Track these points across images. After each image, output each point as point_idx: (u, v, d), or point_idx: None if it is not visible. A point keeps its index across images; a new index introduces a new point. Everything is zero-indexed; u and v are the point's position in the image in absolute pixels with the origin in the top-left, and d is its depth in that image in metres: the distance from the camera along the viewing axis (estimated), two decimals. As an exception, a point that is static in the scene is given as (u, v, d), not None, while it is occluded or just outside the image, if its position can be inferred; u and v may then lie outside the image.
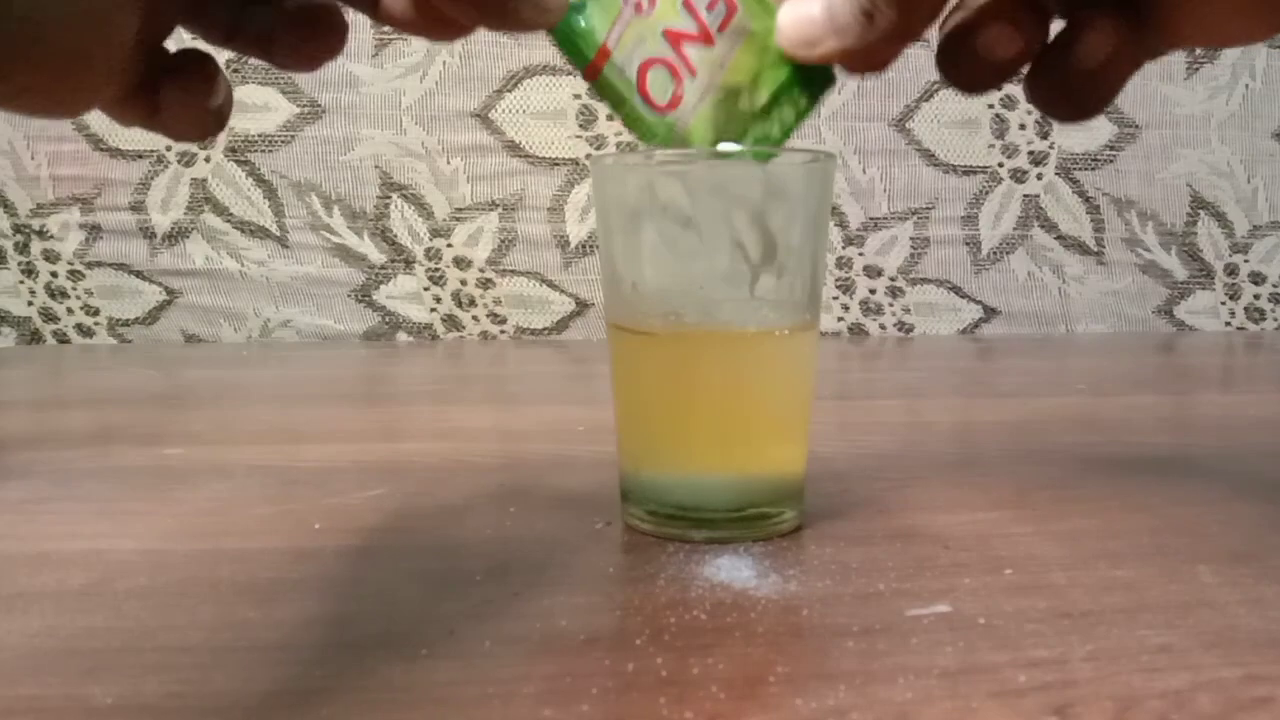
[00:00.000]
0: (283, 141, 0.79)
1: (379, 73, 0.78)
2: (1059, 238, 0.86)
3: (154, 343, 0.80)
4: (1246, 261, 0.88)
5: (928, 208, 0.85)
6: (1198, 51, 0.86)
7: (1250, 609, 0.29)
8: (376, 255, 0.81)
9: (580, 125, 0.81)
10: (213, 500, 0.40)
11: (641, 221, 0.34)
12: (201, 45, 0.26)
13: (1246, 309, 0.89)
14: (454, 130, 0.80)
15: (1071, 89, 0.27)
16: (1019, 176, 0.85)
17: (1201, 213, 0.88)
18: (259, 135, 0.79)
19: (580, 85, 0.80)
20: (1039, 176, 0.85)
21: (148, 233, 0.79)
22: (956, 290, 0.86)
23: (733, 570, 0.32)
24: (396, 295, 0.81)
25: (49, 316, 0.80)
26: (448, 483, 0.41)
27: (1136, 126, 0.86)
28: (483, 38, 0.77)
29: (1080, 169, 0.86)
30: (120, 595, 0.30)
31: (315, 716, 0.23)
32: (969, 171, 0.85)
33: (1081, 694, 0.24)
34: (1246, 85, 0.87)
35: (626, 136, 0.81)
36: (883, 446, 0.49)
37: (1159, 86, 0.86)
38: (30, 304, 0.80)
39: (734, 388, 0.34)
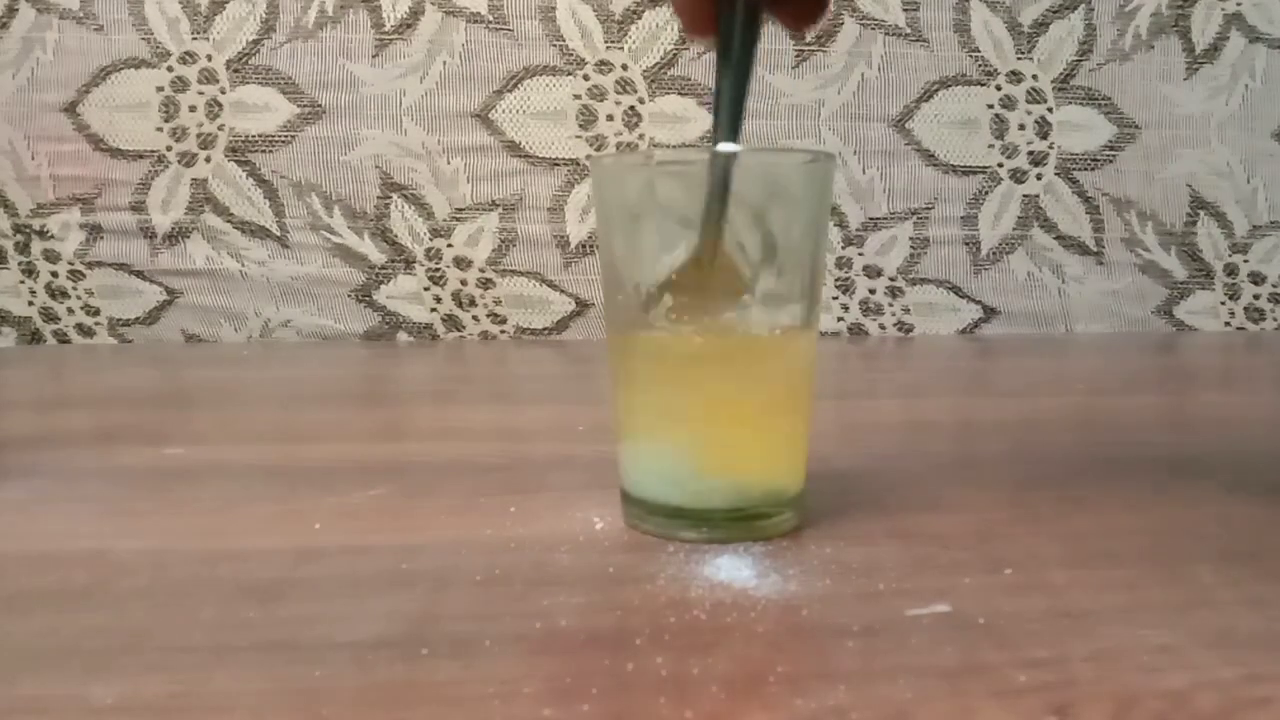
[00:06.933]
0: (283, 141, 0.79)
1: (379, 73, 0.78)
2: (1059, 238, 0.86)
3: (154, 343, 0.80)
4: (1246, 262, 0.88)
5: (927, 208, 0.85)
6: (1198, 51, 0.86)
7: (1250, 609, 0.29)
8: (377, 255, 0.81)
9: (580, 125, 0.81)
10: (214, 500, 0.40)
11: (641, 221, 0.34)
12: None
13: (1246, 309, 0.89)
14: (454, 130, 0.80)
15: None
16: (1018, 176, 0.85)
17: (1201, 213, 0.87)
18: (259, 135, 0.79)
19: (580, 85, 0.80)
20: (1039, 176, 0.85)
21: (148, 233, 0.79)
22: (956, 290, 0.86)
23: (733, 570, 0.32)
24: (397, 295, 0.81)
25: (49, 316, 0.80)
26: (448, 483, 0.41)
27: (1136, 127, 0.86)
28: (483, 38, 0.77)
29: (1080, 169, 0.86)
30: (121, 595, 0.30)
31: (315, 716, 0.23)
32: (968, 171, 0.85)
33: (1081, 694, 0.24)
34: (1246, 85, 0.87)
35: (626, 136, 0.81)
36: (883, 446, 0.49)
37: (1159, 86, 0.86)
38: (31, 304, 0.80)
39: (734, 388, 0.34)
